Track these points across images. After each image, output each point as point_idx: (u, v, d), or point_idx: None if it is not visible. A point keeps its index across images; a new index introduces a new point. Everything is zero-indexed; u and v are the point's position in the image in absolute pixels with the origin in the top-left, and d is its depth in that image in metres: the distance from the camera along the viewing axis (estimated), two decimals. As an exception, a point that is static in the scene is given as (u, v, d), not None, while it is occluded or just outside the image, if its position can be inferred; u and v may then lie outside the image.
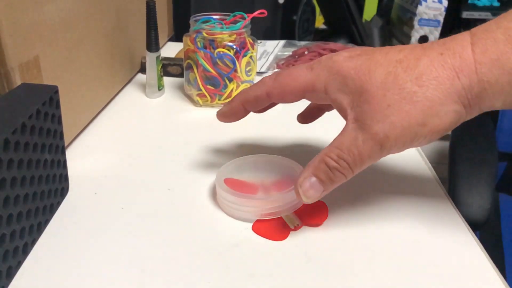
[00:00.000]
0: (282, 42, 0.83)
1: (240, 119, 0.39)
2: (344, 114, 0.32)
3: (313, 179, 0.32)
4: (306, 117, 0.43)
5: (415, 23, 1.43)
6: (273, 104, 0.40)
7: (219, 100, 0.56)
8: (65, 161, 0.38)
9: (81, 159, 0.44)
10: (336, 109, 0.33)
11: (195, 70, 0.54)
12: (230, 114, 0.39)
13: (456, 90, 0.29)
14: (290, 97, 0.35)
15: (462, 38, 0.30)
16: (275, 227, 0.35)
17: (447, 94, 0.29)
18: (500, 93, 0.29)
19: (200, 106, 0.57)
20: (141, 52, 0.65)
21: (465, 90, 0.29)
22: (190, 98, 0.59)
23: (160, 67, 0.57)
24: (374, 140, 0.30)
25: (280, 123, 0.43)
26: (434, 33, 1.44)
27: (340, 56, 0.33)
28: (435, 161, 1.59)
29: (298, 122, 0.43)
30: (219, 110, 0.39)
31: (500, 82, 0.28)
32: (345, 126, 0.31)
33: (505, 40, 0.28)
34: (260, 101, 0.36)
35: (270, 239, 0.34)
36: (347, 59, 0.32)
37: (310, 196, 0.32)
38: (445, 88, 0.29)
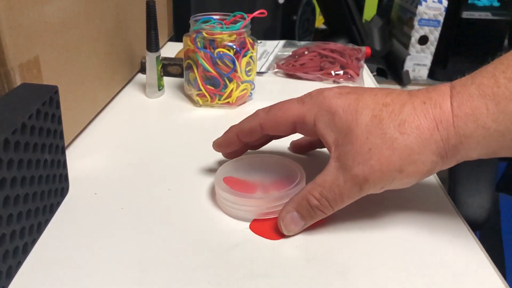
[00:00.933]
0: (282, 42, 0.83)
1: (234, 149, 0.41)
2: (329, 150, 0.34)
3: (295, 214, 0.34)
4: (297, 147, 0.46)
5: (415, 23, 1.43)
6: (267, 140, 0.42)
7: (219, 100, 0.56)
8: (65, 161, 0.38)
9: (81, 159, 0.44)
10: (323, 143, 0.34)
11: (195, 70, 0.54)
12: (225, 144, 0.40)
13: (435, 141, 0.30)
14: (282, 129, 0.37)
15: (443, 90, 0.31)
16: (272, 226, 0.35)
17: (426, 144, 0.30)
18: (475, 146, 0.30)
19: (200, 106, 0.57)
20: (141, 52, 0.65)
21: (443, 141, 0.30)
22: (190, 98, 0.59)
23: (160, 67, 0.57)
24: (354, 181, 0.31)
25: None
26: (434, 33, 1.43)
27: (331, 91, 0.34)
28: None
29: (290, 150, 0.46)
30: (215, 140, 0.41)
31: (475, 136, 0.29)
32: (329, 164, 0.33)
33: (478, 95, 0.29)
34: (254, 132, 0.38)
35: (267, 238, 0.34)
36: (337, 95, 0.34)
37: (291, 230, 0.34)
38: (424, 138, 0.30)
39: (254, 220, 0.36)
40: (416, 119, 0.30)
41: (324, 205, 0.33)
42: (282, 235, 0.34)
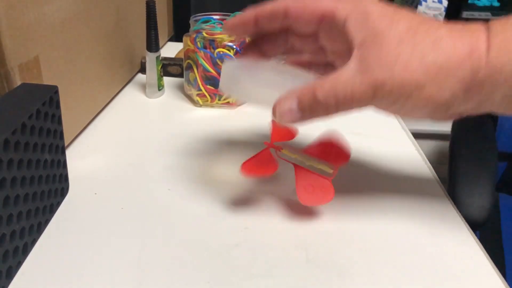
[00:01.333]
0: (282, 42, 0.82)
1: (246, 34, 0.36)
2: (349, 51, 0.31)
3: (295, 104, 0.31)
4: (295, 62, 0.40)
5: (415, 23, 1.44)
6: (281, 47, 0.37)
7: (219, 100, 0.56)
8: (65, 161, 0.38)
9: (81, 159, 0.44)
10: (342, 42, 0.32)
11: (195, 70, 0.54)
12: (240, 23, 0.35)
13: (464, 68, 0.29)
14: (307, 19, 0.33)
15: (479, 24, 0.30)
16: (262, 162, 0.34)
17: (455, 68, 0.29)
18: (502, 83, 0.29)
19: (200, 106, 0.57)
20: (141, 52, 0.65)
21: (472, 72, 0.29)
22: (190, 98, 0.59)
23: (160, 67, 0.57)
24: (371, 85, 0.29)
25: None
26: (434, 33, 1.44)
27: None
28: (435, 161, 1.59)
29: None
30: (227, 21, 0.36)
31: (504, 71, 0.28)
32: (346, 64, 0.30)
33: None
34: (275, 17, 0.34)
35: (261, 175, 0.33)
36: (376, 2, 0.31)
37: (283, 119, 0.32)
38: (456, 61, 0.29)
39: (245, 162, 0.35)
40: (452, 39, 0.29)
41: (329, 103, 0.30)
42: (274, 168, 0.34)
